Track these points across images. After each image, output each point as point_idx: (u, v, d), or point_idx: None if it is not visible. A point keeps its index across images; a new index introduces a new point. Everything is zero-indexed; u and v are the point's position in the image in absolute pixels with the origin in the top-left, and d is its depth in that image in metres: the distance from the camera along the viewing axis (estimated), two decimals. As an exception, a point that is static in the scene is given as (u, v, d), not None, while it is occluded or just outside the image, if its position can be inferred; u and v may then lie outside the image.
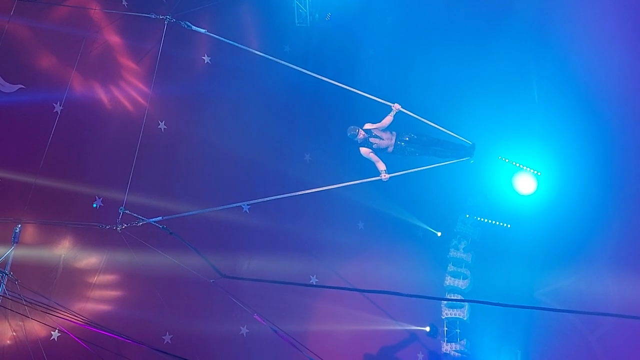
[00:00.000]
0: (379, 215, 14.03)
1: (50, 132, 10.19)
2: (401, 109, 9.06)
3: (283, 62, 8.89)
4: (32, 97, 10.70)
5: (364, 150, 9.21)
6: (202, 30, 8.71)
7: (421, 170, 9.35)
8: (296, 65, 8.92)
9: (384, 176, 9.01)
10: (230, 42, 8.89)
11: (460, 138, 9.43)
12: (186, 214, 9.44)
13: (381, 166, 9.08)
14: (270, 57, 8.89)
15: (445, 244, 14.73)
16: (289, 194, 8.71)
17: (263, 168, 13.10)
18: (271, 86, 13.21)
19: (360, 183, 9.07)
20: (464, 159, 9.53)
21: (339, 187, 8.96)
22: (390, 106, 9.08)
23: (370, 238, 14.00)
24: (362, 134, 9.10)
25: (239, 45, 9.00)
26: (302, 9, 13.57)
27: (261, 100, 13.30)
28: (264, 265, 12.65)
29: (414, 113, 9.03)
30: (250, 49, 9.14)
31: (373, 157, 9.16)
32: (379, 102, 9.05)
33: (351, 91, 8.97)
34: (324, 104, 13.63)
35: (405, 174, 9.08)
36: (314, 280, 13.11)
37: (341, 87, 8.92)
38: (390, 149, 9.30)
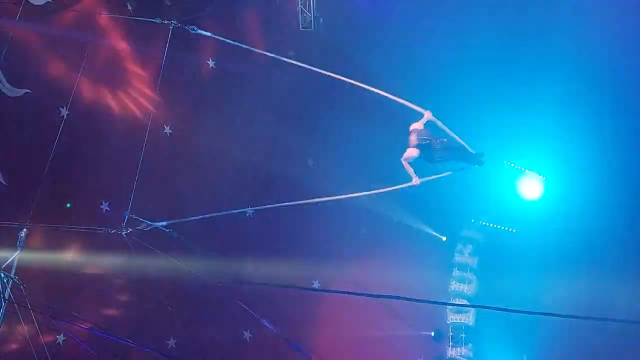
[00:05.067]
0: (382, 220, 14.01)
1: (56, 137, 10.20)
2: (432, 118, 8.76)
3: (294, 62, 8.76)
4: (38, 102, 10.72)
5: (414, 152, 8.81)
6: (208, 34, 8.70)
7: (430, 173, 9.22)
8: (302, 70, 8.86)
9: (417, 180, 8.72)
10: (236, 43, 8.87)
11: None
12: (190, 219, 9.42)
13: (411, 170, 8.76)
14: (278, 57, 8.81)
15: (451, 248, 14.69)
16: (296, 203, 8.61)
17: (268, 172, 13.10)
18: (275, 90, 13.22)
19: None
20: (473, 165, 9.29)
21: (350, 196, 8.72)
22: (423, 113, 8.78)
23: (373, 243, 13.98)
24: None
25: (247, 47, 8.95)
26: (306, 14, 13.58)
27: (265, 105, 13.30)
28: (266, 269, 12.64)
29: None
30: (257, 50, 9.07)
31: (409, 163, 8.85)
32: (391, 102, 8.88)
33: (364, 94, 8.81)
34: (328, 109, 13.63)
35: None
36: (316, 285, 13.09)
37: (364, 87, 8.65)
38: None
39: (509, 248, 14.24)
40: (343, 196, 8.66)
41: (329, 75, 8.74)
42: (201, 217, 9.76)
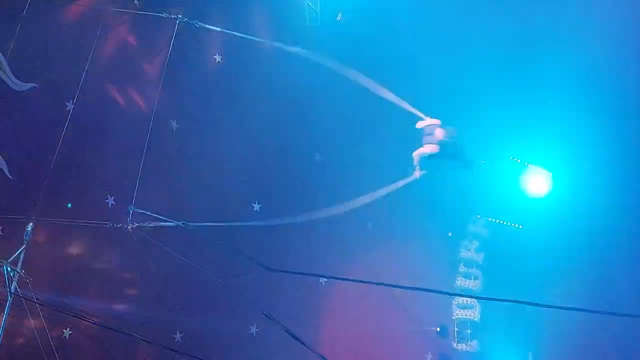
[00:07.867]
0: (388, 215, 13.96)
1: (63, 131, 10.23)
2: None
3: (301, 51, 8.74)
4: (44, 96, 10.74)
5: (434, 149, 8.83)
6: (217, 29, 8.71)
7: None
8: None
9: (418, 174, 8.76)
10: (247, 36, 8.86)
11: None
12: (204, 224, 9.36)
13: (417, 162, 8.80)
14: (286, 47, 8.80)
15: (456, 244, 14.66)
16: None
17: (274, 167, 13.09)
18: (282, 85, 13.18)
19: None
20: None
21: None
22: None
23: (379, 238, 13.92)
24: None
25: (255, 38, 8.93)
26: (313, 8, 13.52)
27: (272, 99, 13.26)
28: (271, 263, 12.63)
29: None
30: (266, 40, 9.04)
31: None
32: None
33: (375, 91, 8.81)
34: (336, 103, 13.58)
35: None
36: (322, 281, 13.09)
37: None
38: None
39: (515, 244, 14.18)
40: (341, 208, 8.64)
41: (334, 70, 8.74)
42: (211, 224, 9.74)
